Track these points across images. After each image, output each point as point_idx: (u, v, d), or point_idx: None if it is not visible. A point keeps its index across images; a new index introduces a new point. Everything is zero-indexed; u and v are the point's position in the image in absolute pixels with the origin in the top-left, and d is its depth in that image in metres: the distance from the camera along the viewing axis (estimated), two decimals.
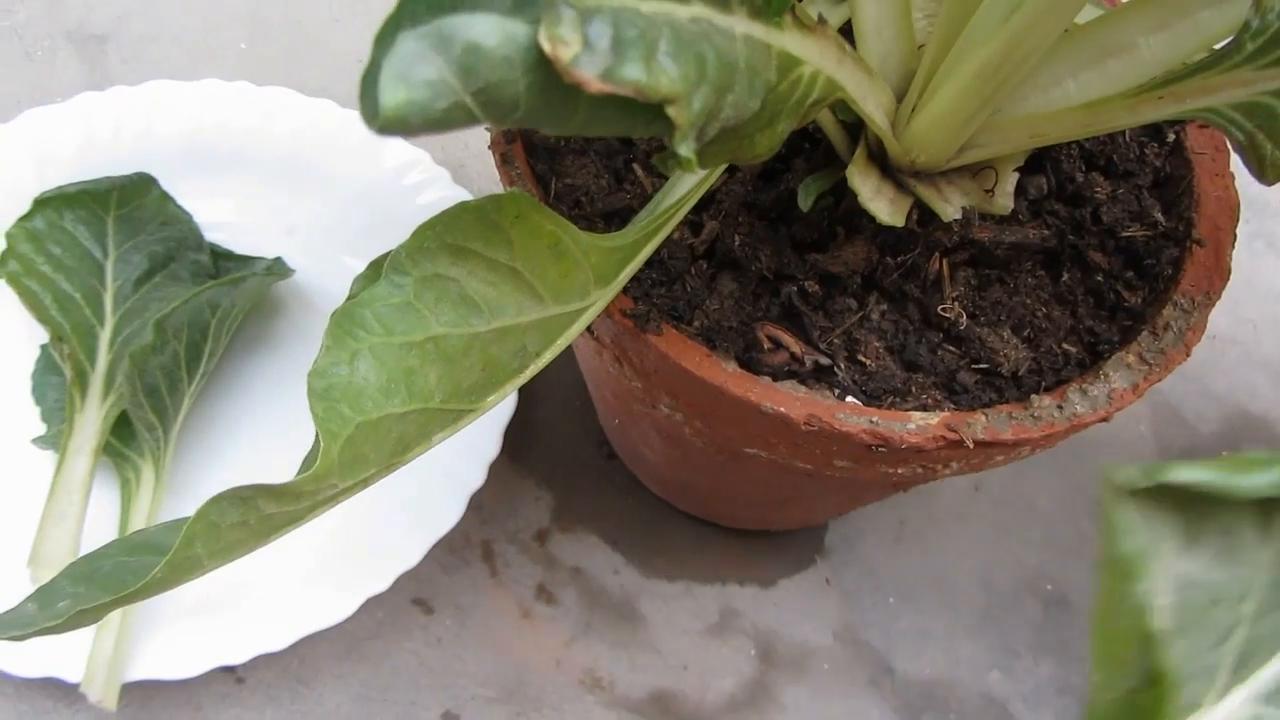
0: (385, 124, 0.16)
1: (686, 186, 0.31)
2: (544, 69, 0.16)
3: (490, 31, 0.16)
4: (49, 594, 0.25)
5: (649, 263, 0.33)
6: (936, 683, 0.48)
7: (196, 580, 0.45)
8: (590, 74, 0.16)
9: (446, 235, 0.25)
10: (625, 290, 0.32)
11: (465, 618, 0.47)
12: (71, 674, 0.40)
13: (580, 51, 0.16)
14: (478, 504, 0.49)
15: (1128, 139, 0.40)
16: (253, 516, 0.23)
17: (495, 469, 0.47)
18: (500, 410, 0.47)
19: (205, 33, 0.64)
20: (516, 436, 0.50)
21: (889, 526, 0.52)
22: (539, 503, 0.50)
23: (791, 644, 0.48)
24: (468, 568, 0.48)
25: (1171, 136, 0.40)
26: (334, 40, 0.65)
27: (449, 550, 0.48)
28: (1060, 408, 0.31)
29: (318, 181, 0.55)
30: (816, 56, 0.24)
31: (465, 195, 0.55)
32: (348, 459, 0.24)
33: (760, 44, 0.21)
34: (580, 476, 0.51)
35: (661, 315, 0.31)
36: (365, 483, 0.26)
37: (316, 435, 0.25)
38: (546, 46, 0.16)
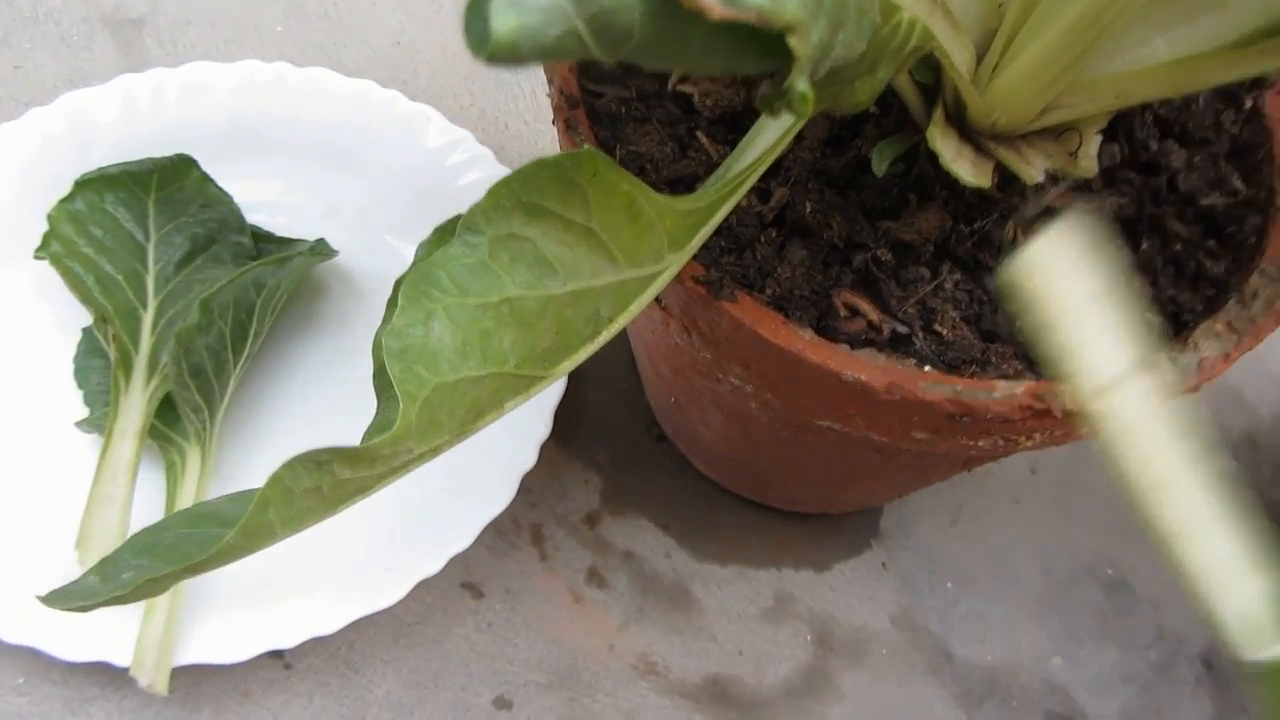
0: (496, 52, 0.15)
1: (759, 149, 0.29)
2: None
3: None
4: (111, 566, 0.24)
5: (717, 231, 0.32)
6: (997, 669, 0.47)
7: (246, 564, 0.44)
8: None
9: (522, 193, 0.24)
10: (696, 257, 0.31)
11: (516, 602, 0.46)
12: (120, 658, 0.39)
13: None
14: (526, 487, 0.48)
15: (1202, 105, 0.39)
16: (326, 482, 0.22)
17: (544, 452, 0.46)
18: (550, 391, 0.46)
19: (241, 15, 0.64)
20: (565, 419, 0.49)
21: (945, 510, 0.51)
22: (588, 486, 0.49)
23: (849, 629, 0.47)
24: (517, 552, 0.47)
25: (1249, 103, 0.38)
26: (372, 21, 0.64)
27: (498, 534, 0.47)
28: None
29: (359, 163, 0.55)
30: (912, 3, 0.23)
31: (509, 173, 0.54)
32: (424, 422, 0.23)
33: None
34: (630, 459, 0.50)
35: (734, 282, 0.30)
36: (437, 450, 0.25)
37: (382, 403, 0.24)
38: None
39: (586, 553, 0.47)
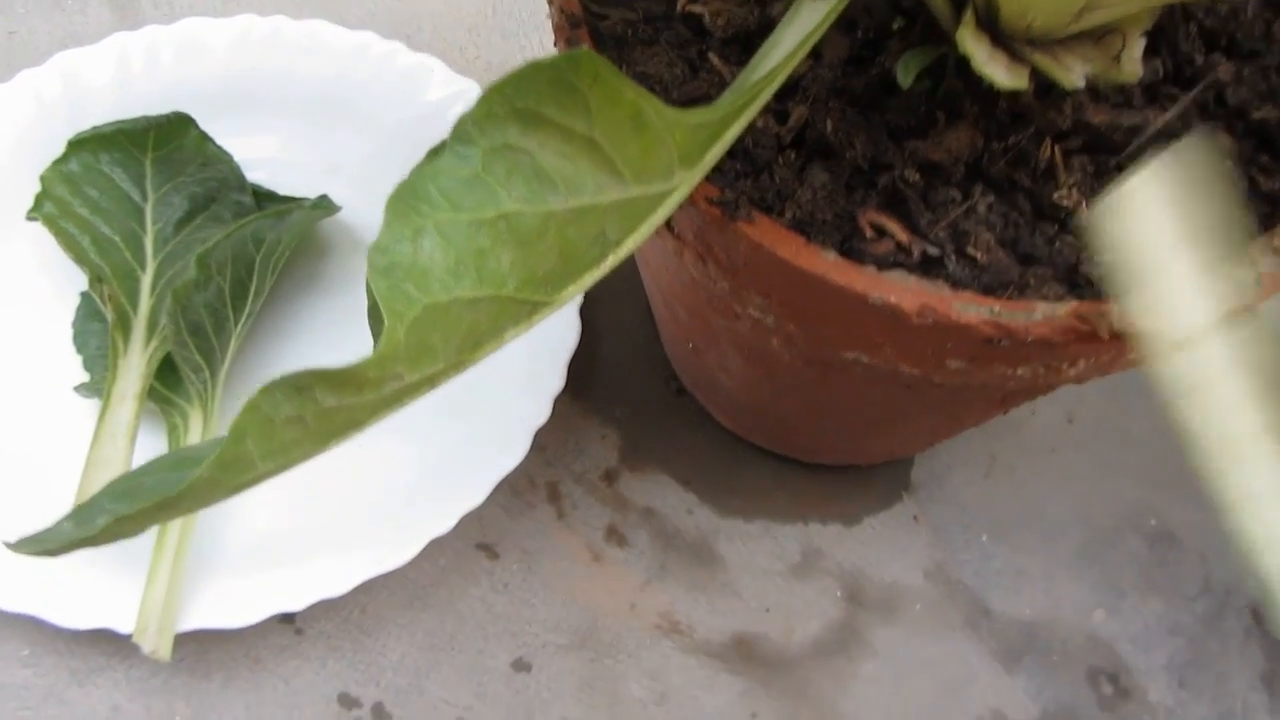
0: None
1: (776, 59, 0.27)
2: None
3: None
4: (87, 511, 0.22)
5: (731, 154, 0.30)
6: (1037, 623, 0.45)
7: (251, 526, 0.43)
8: None
9: (517, 99, 0.22)
10: (709, 179, 0.29)
11: (533, 562, 0.44)
12: (124, 625, 0.38)
13: None
14: (541, 445, 0.46)
15: (1250, 15, 0.36)
16: (309, 411, 0.20)
17: (558, 408, 0.45)
18: (563, 342, 0.44)
19: None
20: (580, 374, 0.47)
21: (978, 461, 0.49)
22: (605, 442, 0.47)
23: (880, 584, 0.45)
24: (533, 510, 0.45)
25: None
26: None
27: (513, 493, 0.45)
28: None
29: (361, 117, 0.53)
30: None
31: None
32: (414, 345, 0.21)
33: None
34: (648, 414, 0.48)
35: (751, 204, 0.28)
36: (432, 381, 0.23)
37: (374, 327, 0.23)
38: None
39: (605, 510, 0.45)
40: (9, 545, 0.23)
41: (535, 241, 0.23)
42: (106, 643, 0.41)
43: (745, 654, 0.43)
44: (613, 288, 0.50)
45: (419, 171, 0.22)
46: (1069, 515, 0.48)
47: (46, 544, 0.21)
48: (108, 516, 0.22)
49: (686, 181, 0.26)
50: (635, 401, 0.48)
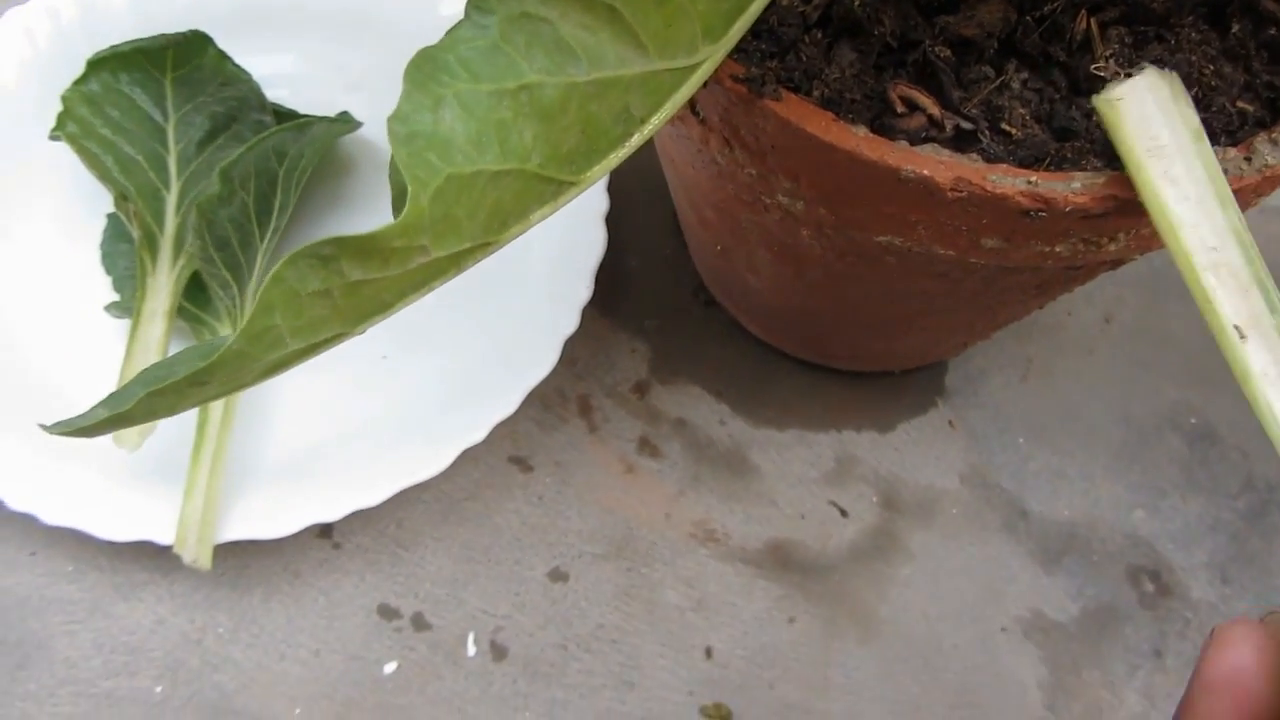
0: None
1: None
2: None
3: None
4: (121, 395, 0.22)
5: (756, 34, 0.29)
6: (1076, 524, 0.45)
7: (285, 438, 0.43)
8: None
9: None
10: (732, 58, 0.28)
11: (566, 475, 0.44)
12: (164, 537, 0.38)
13: None
14: (571, 359, 0.46)
15: None
16: (335, 284, 0.20)
17: (588, 322, 0.44)
18: (589, 250, 0.44)
19: None
20: (609, 288, 0.47)
21: (1015, 364, 0.48)
22: (635, 355, 0.47)
23: (916, 489, 0.45)
24: (565, 424, 0.45)
25: None
26: None
27: (544, 407, 0.45)
28: (1249, 160, 0.27)
29: (377, 32, 0.52)
30: None
31: None
32: (439, 215, 0.20)
33: None
34: (677, 325, 0.47)
35: (778, 82, 0.28)
36: (459, 261, 0.23)
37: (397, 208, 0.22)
38: None
39: (637, 422, 0.45)
40: (45, 428, 0.23)
41: (558, 115, 0.23)
42: (149, 558, 0.41)
43: (781, 561, 0.43)
44: (638, 199, 0.50)
45: (437, 44, 0.22)
46: (1107, 416, 0.47)
47: (82, 424, 0.21)
48: (142, 395, 0.22)
49: (711, 57, 0.25)
50: (664, 314, 0.48)
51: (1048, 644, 0.42)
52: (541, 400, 0.45)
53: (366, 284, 0.21)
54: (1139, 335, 0.49)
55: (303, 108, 0.50)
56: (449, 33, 0.22)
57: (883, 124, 0.28)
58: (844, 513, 0.44)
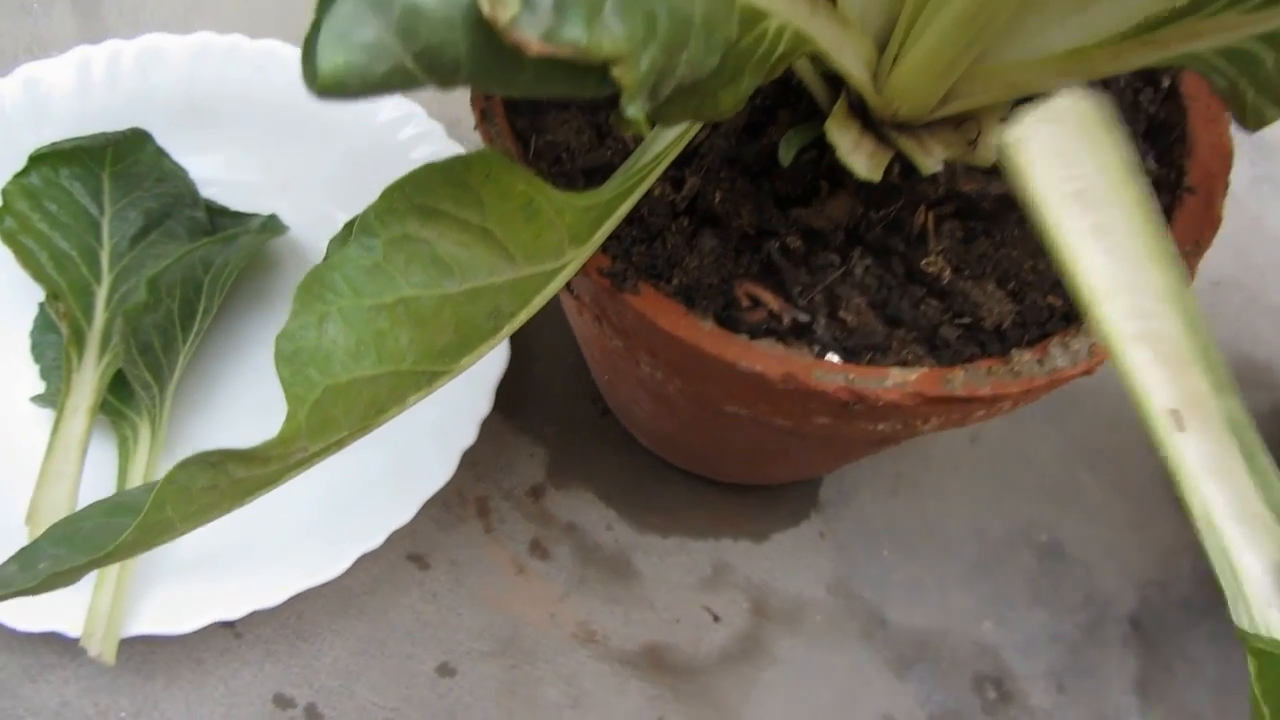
0: (323, 87, 0.16)
1: (663, 143, 0.30)
2: (485, 30, 0.16)
3: None
4: (31, 555, 0.25)
5: (629, 219, 0.33)
6: (930, 633, 0.49)
7: (194, 536, 0.45)
8: (530, 35, 0.16)
9: (415, 196, 0.25)
10: (605, 247, 0.32)
11: (461, 573, 0.47)
12: (72, 629, 0.41)
13: (520, 12, 0.16)
14: (473, 460, 0.49)
15: (1122, 84, 0.40)
16: (222, 480, 0.23)
17: (490, 425, 0.48)
18: (491, 368, 0.47)
19: None
20: (511, 393, 0.50)
21: (884, 479, 0.52)
22: (534, 459, 0.50)
23: (785, 597, 0.48)
24: (462, 524, 0.48)
25: (1166, 82, 0.39)
26: None
27: (444, 507, 0.48)
28: (1040, 362, 0.31)
29: (312, 136, 0.55)
30: (785, 8, 0.24)
31: (459, 150, 0.54)
32: (316, 423, 0.24)
33: None
34: (575, 432, 0.51)
35: (639, 273, 0.31)
36: (340, 444, 0.26)
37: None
38: (485, 7, 0.16)
39: (530, 525, 0.49)
40: None
41: (432, 320, 0.26)
42: (57, 641, 0.44)
43: (656, 662, 0.46)
44: (545, 312, 0.53)
45: (326, 261, 0.25)
46: (966, 531, 0.52)
47: None
48: (49, 562, 0.25)
49: (578, 258, 0.29)
50: (563, 420, 0.51)
51: None
52: (442, 500, 0.48)
53: (251, 477, 0.24)
54: (1002, 455, 0.54)
55: (235, 204, 0.53)
56: (339, 252, 0.25)
57: (730, 315, 0.32)
58: (716, 618, 0.47)
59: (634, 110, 0.18)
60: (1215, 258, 0.63)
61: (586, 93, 0.18)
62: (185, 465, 0.22)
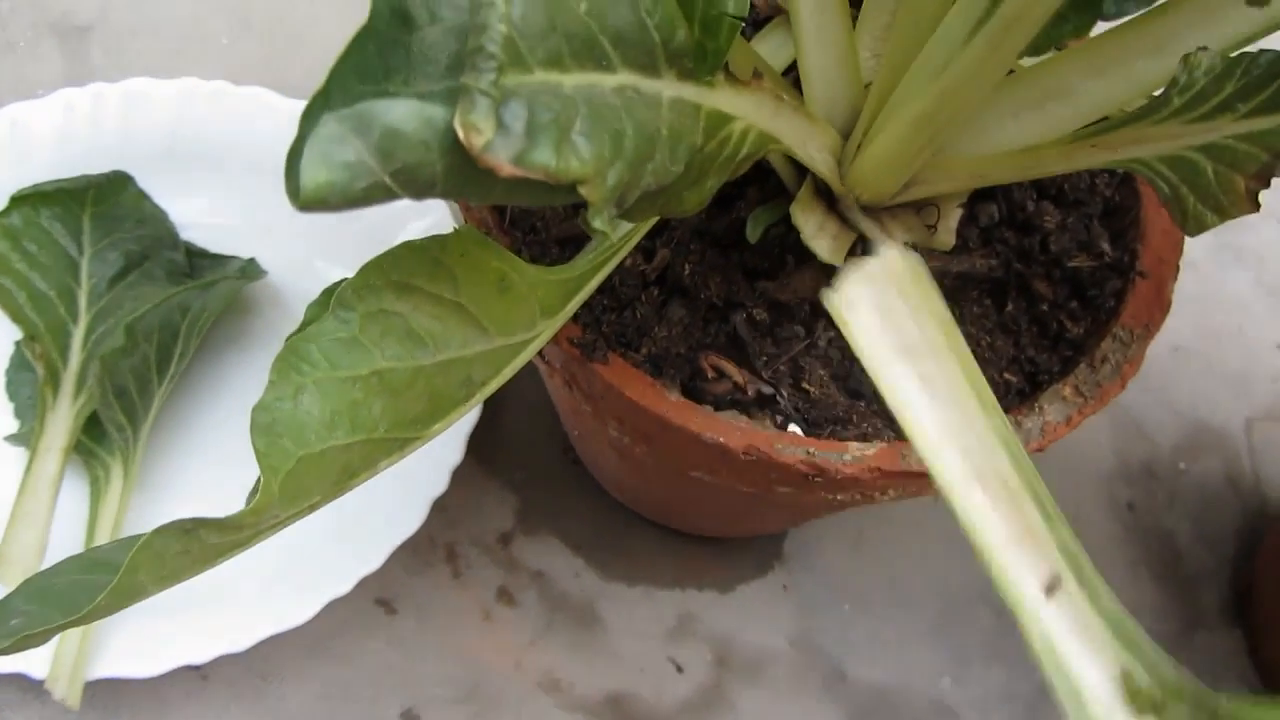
0: (305, 202, 0.17)
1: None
2: (459, 152, 0.17)
3: (409, 117, 0.17)
4: (3, 611, 0.26)
5: (601, 289, 0.34)
6: (888, 688, 0.50)
7: None
8: (502, 159, 0.17)
9: (392, 273, 0.26)
10: (576, 316, 0.33)
11: (427, 619, 0.48)
12: (37, 670, 0.41)
13: (492, 137, 0.17)
14: (443, 506, 0.50)
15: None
16: (195, 546, 0.24)
17: (461, 472, 0.48)
18: (463, 420, 0.48)
19: (188, 26, 0.65)
20: (483, 441, 0.51)
21: (848, 535, 0.53)
22: (503, 506, 0.51)
23: (747, 649, 0.49)
24: (431, 569, 0.49)
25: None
26: (315, 38, 0.65)
27: (413, 552, 0.49)
28: None
29: None
30: (751, 111, 0.25)
31: (430, 200, 0.55)
32: (290, 492, 0.24)
33: (688, 106, 0.22)
34: (545, 481, 0.52)
35: (609, 343, 0.32)
36: (312, 508, 0.27)
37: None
38: (460, 133, 0.17)
39: (498, 571, 0.49)
40: None
41: (405, 391, 0.27)
42: (22, 682, 0.44)
43: (619, 712, 0.47)
44: None
45: (304, 334, 0.26)
46: (927, 587, 0.53)
47: None
48: (22, 619, 0.25)
49: (549, 329, 0.30)
50: (534, 468, 0.52)
51: None
52: (411, 545, 0.49)
53: (222, 542, 0.25)
54: None
55: (215, 247, 0.54)
56: (316, 325, 0.26)
57: (696, 385, 0.33)
58: (680, 668, 0.48)
59: (599, 223, 0.19)
60: (1174, 324, 0.65)
61: (557, 202, 0.19)
62: (160, 533, 0.23)
